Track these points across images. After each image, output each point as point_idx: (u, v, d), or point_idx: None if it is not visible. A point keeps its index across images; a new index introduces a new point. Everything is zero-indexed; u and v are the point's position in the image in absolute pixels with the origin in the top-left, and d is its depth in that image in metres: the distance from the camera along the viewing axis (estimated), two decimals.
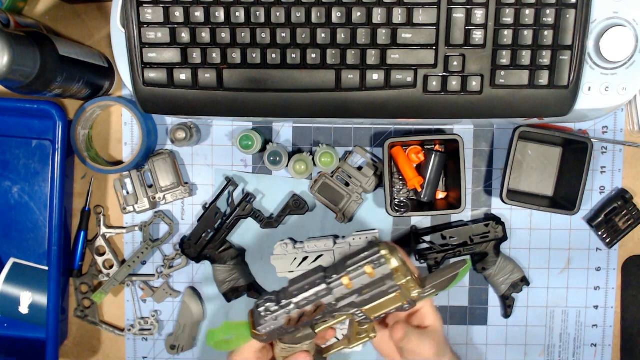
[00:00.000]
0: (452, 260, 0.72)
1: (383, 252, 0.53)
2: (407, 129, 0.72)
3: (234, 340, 0.58)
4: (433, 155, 0.69)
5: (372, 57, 0.57)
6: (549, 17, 0.55)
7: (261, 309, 0.55)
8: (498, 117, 0.59)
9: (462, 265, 0.56)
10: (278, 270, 0.72)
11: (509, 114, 0.58)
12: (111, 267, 0.74)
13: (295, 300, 0.54)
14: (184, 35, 0.57)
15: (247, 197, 0.71)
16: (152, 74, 0.58)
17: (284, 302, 0.54)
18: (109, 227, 0.74)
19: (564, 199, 0.69)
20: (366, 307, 0.54)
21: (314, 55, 0.57)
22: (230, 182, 0.71)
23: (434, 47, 0.57)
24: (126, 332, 0.75)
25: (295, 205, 0.71)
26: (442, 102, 0.58)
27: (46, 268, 0.72)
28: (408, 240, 0.73)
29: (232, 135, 0.73)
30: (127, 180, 0.72)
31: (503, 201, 0.68)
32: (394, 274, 0.53)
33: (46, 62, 0.58)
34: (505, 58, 0.56)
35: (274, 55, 0.57)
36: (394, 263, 0.52)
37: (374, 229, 0.72)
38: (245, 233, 0.74)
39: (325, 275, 0.54)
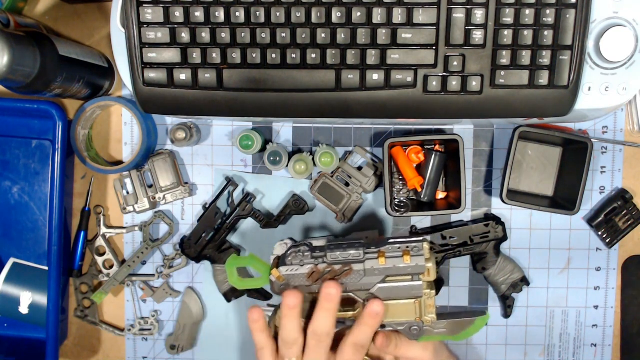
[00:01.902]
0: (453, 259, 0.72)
1: (426, 246, 0.55)
2: (407, 129, 0.72)
3: (248, 280, 0.60)
4: (433, 155, 0.69)
5: (372, 57, 0.57)
6: (549, 17, 0.55)
7: (294, 249, 0.56)
8: (498, 117, 0.59)
9: (479, 314, 0.58)
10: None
11: (509, 114, 0.58)
12: (111, 267, 0.74)
13: (329, 253, 0.55)
14: (184, 35, 0.57)
15: (247, 197, 0.71)
16: (152, 74, 0.58)
17: (317, 253, 0.55)
18: (109, 227, 0.74)
19: (564, 199, 0.69)
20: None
21: (314, 55, 0.57)
22: (230, 182, 0.71)
23: (434, 47, 0.57)
24: (126, 332, 0.75)
25: (295, 205, 0.71)
26: (442, 102, 0.58)
27: (46, 268, 0.72)
28: None
29: (232, 135, 0.73)
30: (127, 180, 0.72)
31: (503, 201, 0.68)
32: (424, 274, 0.54)
33: (46, 62, 0.58)
34: (505, 58, 0.57)
35: (274, 55, 0.57)
36: (429, 263, 0.54)
37: (374, 229, 0.72)
38: (245, 233, 0.74)
39: (364, 244, 0.56)
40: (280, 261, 0.56)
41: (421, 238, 0.56)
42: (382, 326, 0.56)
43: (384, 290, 0.55)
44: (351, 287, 0.55)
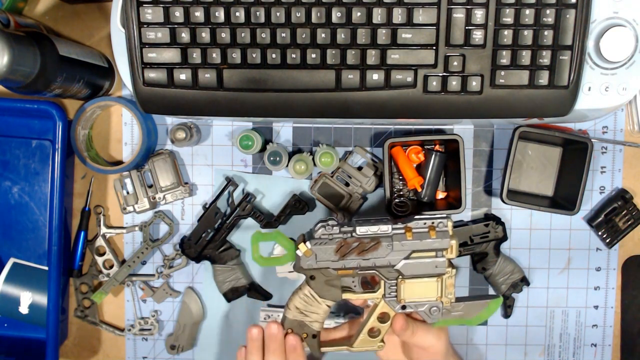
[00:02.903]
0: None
1: (449, 223, 0.56)
2: (407, 129, 0.72)
3: (271, 258, 0.60)
4: (433, 155, 0.69)
5: (372, 57, 0.57)
6: (549, 17, 0.55)
7: (322, 223, 0.57)
8: (498, 117, 0.59)
9: (493, 297, 0.60)
10: (278, 270, 0.72)
11: (509, 114, 0.58)
12: (111, 267, 0.74)
13: (358, 227, 0.56)
14: (184, 35, 0.57)
15: (247, 197, 0.71)
16: (152, 74, 0.58)
17: (346, 227, 0.57)
18: (109, 227, 0.74)
19: (564, 199, 0.69)
20: (405, 280, 0.57)
21: (314, 55, 0.57)
22: (230, 182, 0.71)
23: (434, 47, 0.57)
24: (126, 332, 0.75)
25: (295, 205, 0.71)
26: (442, 102, 0.58)
27: (46, 268, 0.72)
28: None
29: (232, 135, 0.73)
30: (127, 180, 0.72)
31: (503, 201, 0.68)
32: (448, 250, 0.56)
33: (46, 62, 0.58)
34: (505, 58, 0.56)
35: (274, 55, 0.57)
36: (453, 240, 0.56)
37: None
38: (245, 233, 0.74)
39: (392, 220, 0.57)
40: (307, 236, 0.58)
41: (445, 214, 0.57)
42: (403, 307, 0.57)
43: (408, 266, 0.56)
44: (378, 262, 0.56)
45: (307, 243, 0.56)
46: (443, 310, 0.58)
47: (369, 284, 0.61)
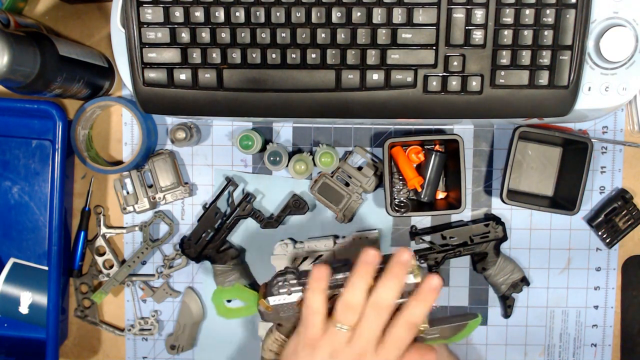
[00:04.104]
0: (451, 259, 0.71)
1: (413, 262, 0.52)
2: (407, 129, 0.72)
3: (237, 309, 0.56)
4: (433, 155, 0.69)
5: (372, 57, 0.57)
6: (549, 17, 0.55)
7: (280, 278, 0.53)
8: (498, 117, 0.59)
9: (472, 317, 0.56)
10: (278, 270, 0.72)
11: (509, 114, 0.58)
12: (111, 267, 0.74)
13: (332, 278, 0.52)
14: (184, 35, 0.57)
15: (247, 197, 0.71)
16: (152, 74, 0.58)
17: (304, 279, 0.53)
18: (109, 227, 0.74)
19: (564, 199, 0.69)
20: None
21: (314, 55, 0.57)
22: (230, 182, 0.71)
23: (434, 47, 0.57)
24: (126, 332, 0.75)
25: (295, 205, 0.71)
26: (442, 102, 0.58)
27: (46, 268, 0.72)
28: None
29: (232, 135, 0.73)
30: (127, 180, 0.72)
31: (503, 201, 0.68)
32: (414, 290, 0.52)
33: (46, 62, 0.58)
34: (505, 58, 0.57)
35: (274, 55, 0.57)
36: (418, 278, 0.52)
37: (374, 229, 0.72)
38: (245, 233, 0.74)
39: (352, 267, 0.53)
40: (267, 290, 0.54)
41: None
42: None
43: None
44: None
45: (269, 299, 0.53)
46: (419, 337, 0.54)
47: None
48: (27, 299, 0.72)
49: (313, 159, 0.70)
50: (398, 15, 0.56)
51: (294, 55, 0.57)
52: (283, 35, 0.57)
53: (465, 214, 0.73)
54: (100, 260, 0.73)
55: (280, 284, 0.53)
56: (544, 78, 0.57)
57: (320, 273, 0.52)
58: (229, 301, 0.63)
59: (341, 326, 0.50)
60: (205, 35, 0.57)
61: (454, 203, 0.68)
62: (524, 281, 0.71)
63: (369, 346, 0.50)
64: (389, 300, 0.50)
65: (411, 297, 0.51)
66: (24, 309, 0.72)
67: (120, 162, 0.73)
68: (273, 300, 0.53)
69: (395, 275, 0.51)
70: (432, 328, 0.54)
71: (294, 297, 0.53)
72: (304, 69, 0.58)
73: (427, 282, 0.51)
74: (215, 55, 0.57)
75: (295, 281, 0.53)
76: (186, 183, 0.73)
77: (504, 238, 0.70)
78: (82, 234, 0.73)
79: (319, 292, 0.51)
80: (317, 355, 0.50)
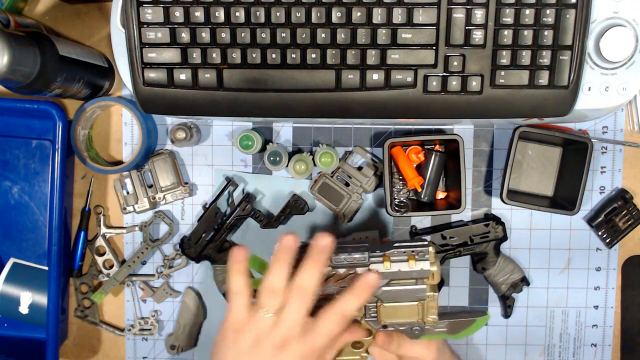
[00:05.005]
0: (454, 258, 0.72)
1: (431, 249, 0.54)
2: (407, 129, 0.72)
3: (254, 280, 0.56)
4: (433, 155, 0.69)
5: (372, 57, 0.57)
6: (549, 17, 0.55)
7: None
8: (498, 117, 0.59)
9: (480, 314, 0.57)
10: None
11: (509, 114, 0.58)
12: (111, 267, 0.74)
13: (333, 256, 0.53)
14: (184, 35, 0.57)
15: (247, 197, 0.71)
16: (152, 74, 0.58)
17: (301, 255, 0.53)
18: (109, 227, 0.74)
19: (564, 199, 0.69)
20: (385, 304, 0.55)
21: (314, 55, 0.57)
22: (230, 182, 0.71)
23: (434, 47, 0.57)
24: (126, 332, 0.75)
25: (295, 205, 0.71)
26: (442, 102, 0.58)
27: (46, 268, 0.72)
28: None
29: (232, 135, 0.73)
30: (127, 180, 0.72)
31: (503, 201, 0.68)
32: (428, 278, 0.53)
33: (46, 62, 0.58)
34: (505, 58, 0.56)
35: (274, 55, 0.57)
36: (434, 267, 0.53)
37: (374, 229, 0.72)
38: (245, 233, 0.74)
39: (369, 247, 0.54)
40: None
41: (426, 242, 0.55)
42: (384, 326, 0.56)
43: (388, 293, 0.54)
44: None
45: None
46: (426, 328, 0.56)
47: None
48: (27, 299, 0.71)
49: (313, 159, 0.70)
50: (398, 15, 0.56)
51: (294, 55, 0.57)
52: (283, 35, 0.57)
53: (465, 214, 0.73)
54: (100, 260, 0.73)
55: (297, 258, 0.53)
56: (544, 78, 0.57)
57: (239, 255, 0.52)
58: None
59: (266, 311, 0.50)
60: (205, 35, 0.57)
61: (454, 203, 0.68)
62: (524, 281, 0.71)
63: (294, 331, 0.50)
64: (310, 284, 0.50)
65: (346, 290, 0.52)
66: (24, 309, 0.72)
67: (120, 162, 0.73)
68: None
69: (314, 260, 0.51)
70: (441, 321, 0.55)
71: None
72: (304, 69, 0.58)
73: (364, 278, 0.52)
74: (215, 55, 0.57)
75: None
76: (186, 183, 0.73)
77: (504, 238, 0.70)
78: (82, 234, 0.73)
79: (239, 273, 0.51)
80: (242, 340, 0.50)
